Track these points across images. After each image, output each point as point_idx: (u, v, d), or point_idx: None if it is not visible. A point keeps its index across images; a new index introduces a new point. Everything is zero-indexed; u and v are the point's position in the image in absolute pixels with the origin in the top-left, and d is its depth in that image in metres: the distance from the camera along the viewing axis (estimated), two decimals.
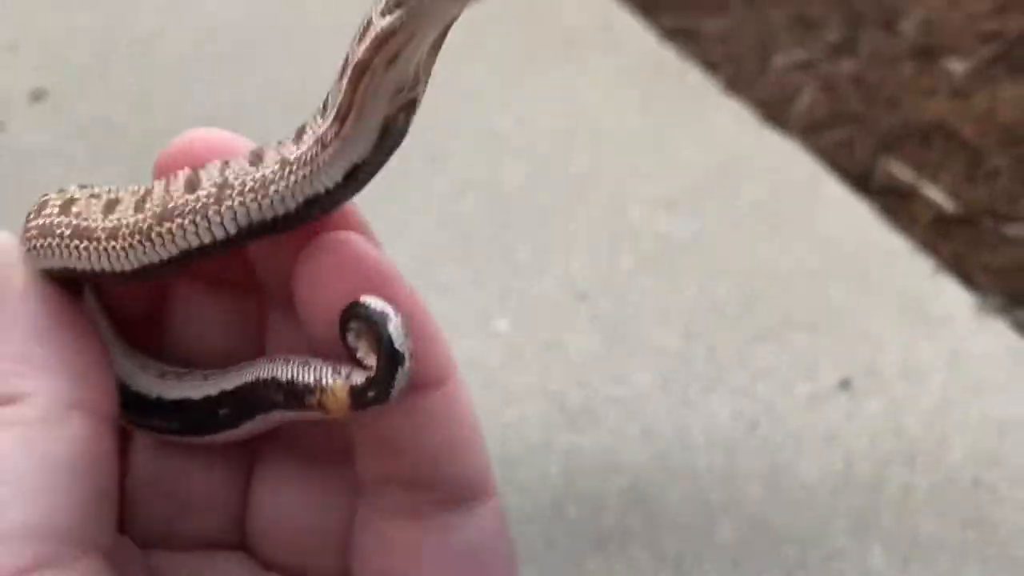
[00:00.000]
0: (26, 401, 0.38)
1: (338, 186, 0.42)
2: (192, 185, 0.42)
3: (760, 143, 1.68)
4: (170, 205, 0.42)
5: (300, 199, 0.41)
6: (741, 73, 1.78)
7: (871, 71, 1.75)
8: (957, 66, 1.73)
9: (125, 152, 1.66)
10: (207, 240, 0.41)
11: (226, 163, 0.42)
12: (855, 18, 1.84)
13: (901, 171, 1.59)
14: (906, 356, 1.39)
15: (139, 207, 0.42)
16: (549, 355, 1.38)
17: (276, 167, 0.41)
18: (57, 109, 1.78)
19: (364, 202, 0.42)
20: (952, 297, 1.45)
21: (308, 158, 0.41)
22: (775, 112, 1.72)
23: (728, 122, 1.72)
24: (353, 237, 0.40)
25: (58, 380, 0.38)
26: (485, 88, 1.78)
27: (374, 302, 0.40)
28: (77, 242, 0.43)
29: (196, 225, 0.41)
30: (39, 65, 1.87)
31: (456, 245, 1.52)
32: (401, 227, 1.52)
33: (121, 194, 0.43)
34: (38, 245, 0.43)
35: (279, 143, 0.42)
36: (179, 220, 0.41)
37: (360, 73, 0.39)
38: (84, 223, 0.42)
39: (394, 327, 0.40)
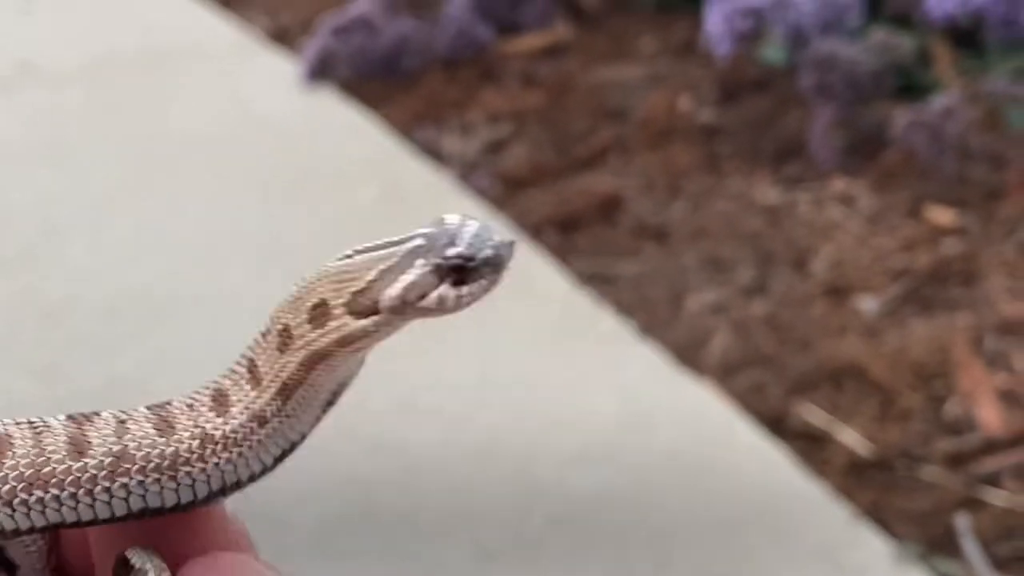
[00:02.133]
0: None
1: (265, 469, 0.37)
2: (79, 446, 0.34)
3: (674, 389, 1.67)
4: (45, 469, 0.34)
5: (218, 485, 0.36)
6: (654, 317, 1.78)
7: (783, 312, 1.75)
8: (867, 305, 1.73)
9: None
10: (85, 519, 0.34)
11: (123, 421, 0.35)
12: (766, 258, 1.85)
13: (814, 415, 1.58)
14: None
15: None
16: None
17: (193, 443, 0.35)
18: None
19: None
20: (869, 546, 1.42)
21: (239, 436, 0.36)
22: (688, 356, 1.71)
23: (641, 368, 1.71)
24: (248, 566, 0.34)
25: None
26: (395, 345, 1.77)
27: (134, 556, 0.34)
28: None
29: (76, 502, 0.34)
30: None
31: (358, 511, 1.48)
32: (302, 494, 1.49)
33: (2, 429, 0.34)
34: None
35: (189, 405, 0.36)
36: (54, 491, 0.34)
37: (320, 359, 0.37)
38: None
39: None
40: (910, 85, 2.06)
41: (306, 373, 0.37)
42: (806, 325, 1.72)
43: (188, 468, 0.35)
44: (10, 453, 0.34)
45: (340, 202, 2.12)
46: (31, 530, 0.34)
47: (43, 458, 0.34)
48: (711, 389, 1.65)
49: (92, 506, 0.34)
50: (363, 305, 0.37)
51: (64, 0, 2.80)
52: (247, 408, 0.37)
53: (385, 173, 2.18)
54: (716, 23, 2.00)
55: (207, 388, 0.37)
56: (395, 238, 0.38)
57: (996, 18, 1.86)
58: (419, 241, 0.38)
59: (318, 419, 0.38)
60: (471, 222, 0.38)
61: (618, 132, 2.18)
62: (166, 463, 0.35)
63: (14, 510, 0.34)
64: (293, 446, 0.37)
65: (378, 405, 1.66)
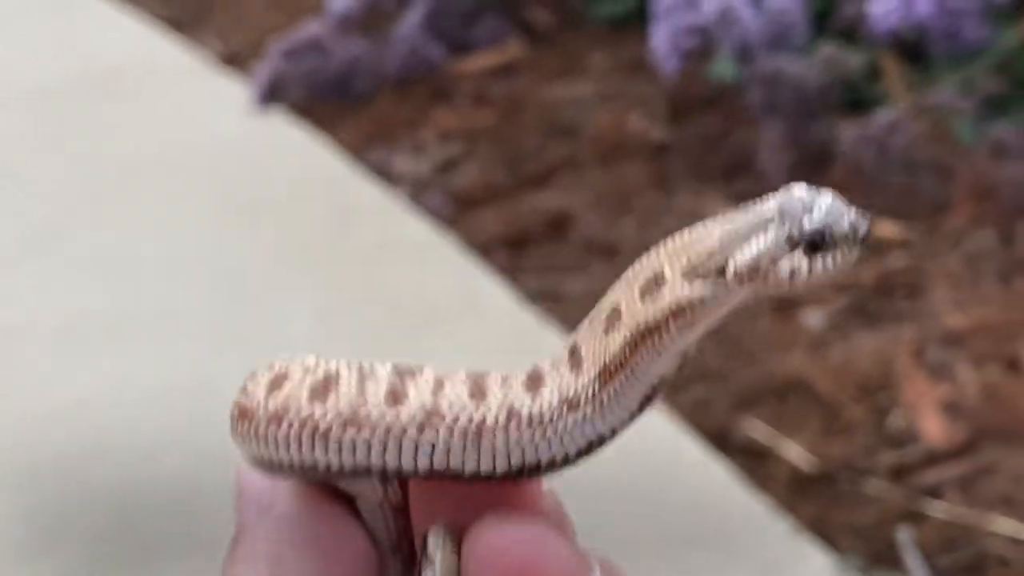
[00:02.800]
0: None
1: (568, 458, 0.36)
2: (397, 396, 0.36)
3: None
4: (362, 411, 0.35)
5: (518, 462, 0.36)
6: None
7: (729, 327, 1.75)
8: (813, 319, 1.73)
9: None
10: (392, 467, 0.35)
11: (441, 381, 0.36)
12: None
13: (758, 430, 1.58)
14: None
15: (322, 395, 0.36)
16: None
17: (500, 415, 0.35)
18: None
19: None
20: (811, 560, 1.42)
21: (546, 418, 0.36)
22: None
23: None
24: (542, 537, 0.35)
25: None
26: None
27: (431, 536, 0.35)
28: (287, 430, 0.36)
29: (384, 448, 0.35)
30: None
31: None
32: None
33: (334, 369, 0.37)
34: (269, 435, 0.36)
35: (504, 379, 0.36)
36: (365, 434, 0.35)
37: (646, 335, 0.35)
38: (292, 409, 0.36)
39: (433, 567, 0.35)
40: (859, 100, 2.06)
41: (629, 353, 0.35)
42: (752, 340, 1.72)
43: (491, 438, 0.35)
44: (335, 391, 0.35)
45: (292, 224, 2.12)
46: (341, 471, 0.35)
47: (362, 399, 0.35)
48: (656, 404, 1.64)
49: (398, 455, 0.35)
50: (705, 269, 0.35)
51: (16, 21, 2.79)
52: (558, 389, 0.36)
53: (337, 194, 2.18)
54: (662, 40, 2.01)
55: (527, 368, 0.37)
56: (740, 211, 0.36)
57: (938, 31, 1.87)
58: (770, 210, 0.35)
59: (633, 416, 0.37)
60: (825, 194, 0.36)
61: (569, 150, 2.18)
62: (472, 428, 0.35)
63: (328, 446, 0.35)
64: (602, 440, 0.36)
65: None
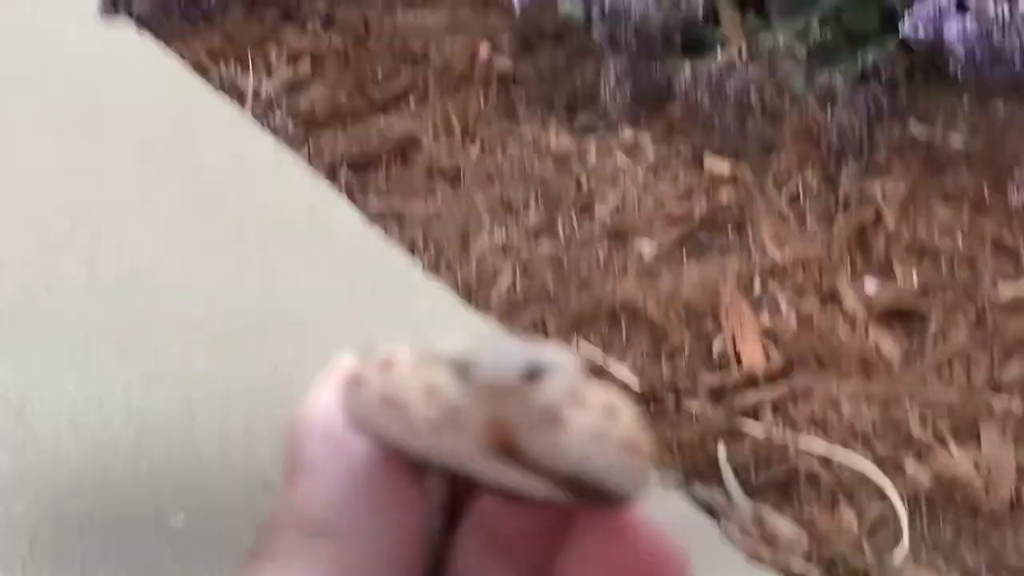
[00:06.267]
0: (338, 538, 0.36)
1: None
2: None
3: (459, 324, 1.71)
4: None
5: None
6: (443, 255, 1.82)
7: (567, 253, 1.81)
8: (646, 248, 1.80)
9: None
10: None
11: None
12: (554, 202, 1.91)
13: (590, 351, 1.64)
14: None
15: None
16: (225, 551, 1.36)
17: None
18: None
19: None
20: None
21: None
22: (475, 294, 1.76)
23: (428, 304, 1.75)
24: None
25: (373, 527, 0.36)
26: (176, 277, 1.78)
27: None
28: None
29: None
30: None
31: (136, 437, 1.49)
32: (77, 417, 1.49)
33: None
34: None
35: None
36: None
37: None
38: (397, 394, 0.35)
39: None
40: (699, 41, 2.13)
41: None
42: (588, 266, 1.79)
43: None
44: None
45: (138, 138, 2.11)
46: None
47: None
48: (495, 325, 1.70)
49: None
50: None
51: None
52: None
53: (181, 108, 2.17)
54: None
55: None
56: None
57: None
58: None
59: None
60: None
61: (417, 76, 2.21)
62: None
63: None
64: None
65: (156, 333, 1.67)
